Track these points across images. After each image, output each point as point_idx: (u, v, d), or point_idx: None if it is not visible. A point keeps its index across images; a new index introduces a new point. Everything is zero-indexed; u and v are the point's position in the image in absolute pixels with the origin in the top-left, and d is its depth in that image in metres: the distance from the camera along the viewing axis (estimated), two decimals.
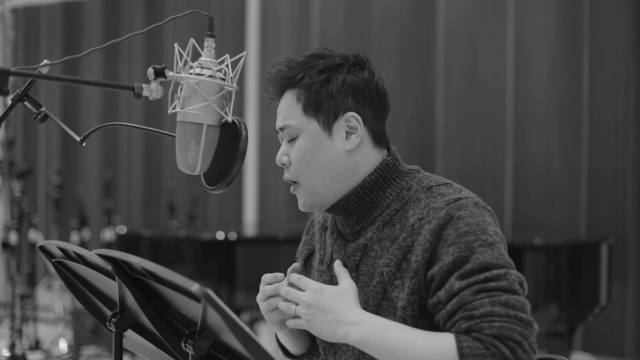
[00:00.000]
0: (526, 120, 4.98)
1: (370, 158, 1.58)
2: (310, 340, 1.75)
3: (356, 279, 1.55)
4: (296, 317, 1.48)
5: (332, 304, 1.43)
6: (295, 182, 1.59)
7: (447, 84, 5.25)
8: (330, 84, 1.56)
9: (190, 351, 1.20)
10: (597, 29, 4.74)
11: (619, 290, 4.54)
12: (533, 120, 4.96)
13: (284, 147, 1.60)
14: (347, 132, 1.56)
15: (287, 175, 1.60)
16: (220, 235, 4.07)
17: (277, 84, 1.60)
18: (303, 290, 1.47)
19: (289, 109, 1.58)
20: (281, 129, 1.60)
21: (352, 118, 1.56)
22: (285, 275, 1.58)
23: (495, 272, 1.40)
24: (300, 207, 1.61)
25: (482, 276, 1.40)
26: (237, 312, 3.93)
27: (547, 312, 3.59)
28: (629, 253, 4.62)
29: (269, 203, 6.00)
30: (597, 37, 4.74)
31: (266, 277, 1.58)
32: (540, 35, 4.95)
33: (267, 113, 1.69)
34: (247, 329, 1.08)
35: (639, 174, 4.63)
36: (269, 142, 6.03)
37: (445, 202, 1.49)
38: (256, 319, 4.78)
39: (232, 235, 4.08)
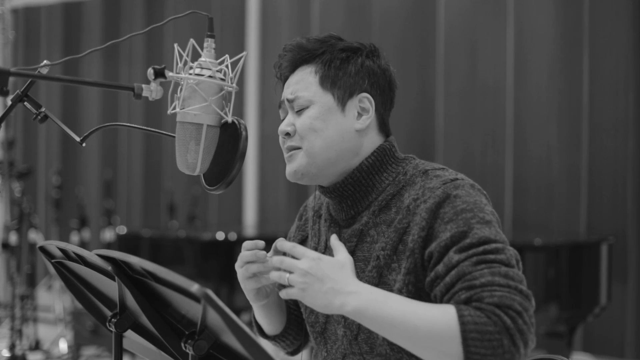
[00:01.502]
0: (526, 120, 4.98)
1: (374, 143, 1.59)
2: (286, 322, 1.74)
3: None
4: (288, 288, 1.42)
5: (329, 273, 1.38)
6: (295, 149, 1.57)
7: (447, 83, 5.25)
8: (349, 64, 1.58)
9: (190, 351, 1.20)
10: (597, 29, 4.74)
11: (619, 290, 4.54)
12: (533, 120, 4.96)
13: (289, 118, 1.59)
14: (358, 112, 1.58)
15: (290, 143, 1.58)
16: (220, 236, 4.07)
17: (294, 57, 1.60)
18: (298, 259, 1.42)
19: (303, 82, 1.58)
20: (291, 100, 1.59)
21: (366, 99, 1.58)
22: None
23: (493, 245, 1.40)
24: (289, 174, 1.58)
25: (480, 249, 1.39)
26: (237, 312, 3.93)
27: (547, 312, 3.59)
28: (629, 253, 4.62)
29: (269, 203, 6.00)
30: (597, 37, 4.74)
31: (247, 243, 1.56)
32: (540, 35, 4.95)
33: (275, 89, 1.68)
34: (247, 329, 1.07)
35: (639, 174, 4.63)
36: (269, 142, 6.03)
37: (441, 182, 1.49)
38: None
39: (232, 236, 4.08)
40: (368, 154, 1.58)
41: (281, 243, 1.46)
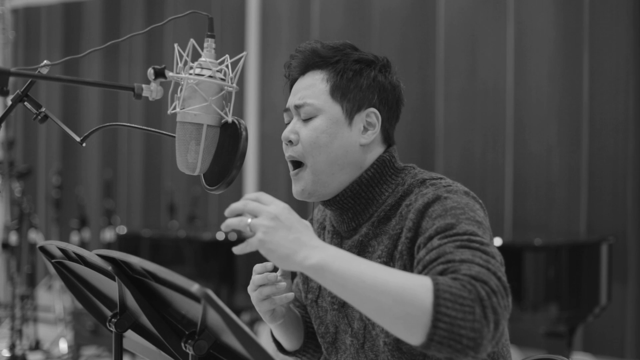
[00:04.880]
0: (526, 120, 4.98)
1: (376, 156, 1.59)
2: (305, 337, 1.75)
3: None
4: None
5: (297, 224, 1.26)
6: (299, 165, 1.57)
7: (447, 84, 5.25)
8: (362, 76, 1.57)
9: (190, 351, 1.20)
10: (597, 29, 4.74)
11: (619, 290, 4.54)
12: (533, 120, 4.96)
13: (294, 124, 1.58)
14: (364, 127, 1.57)
15: (292, 154, 1.57)
16: (220, 236, 4.07)
17: (306, 60, 1.59)
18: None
19: (313, 88, 1.57)
20: (298, 106, 1.58)
21: (373, 114, 1.58)
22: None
23: (479, 238, 1.33)
24: (297, 194, 1.58)
25: (465, 237, 1.33)
26: (237, 312, 3.93)
27: (547, 312, 3.59)
28: (629, 253, 4.62)
29: None
30: (597, 37, 4.74)
31: (256, 267, 1.57)
32: (540, 35, 4.95)
33: (283, 91, 1.67)
34: (247, 329, 1.07)
35: (639, 174, 4.63)
36: (269, 143, 6.03)
37: (435, 187, 1.49)
38: (256, 319, 4.78)
39: (232, 236, 4.08)
40: (369, 167, 1.58)
41: (249, 196, 1.32)
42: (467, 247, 1.31)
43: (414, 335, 1.21)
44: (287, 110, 1.61)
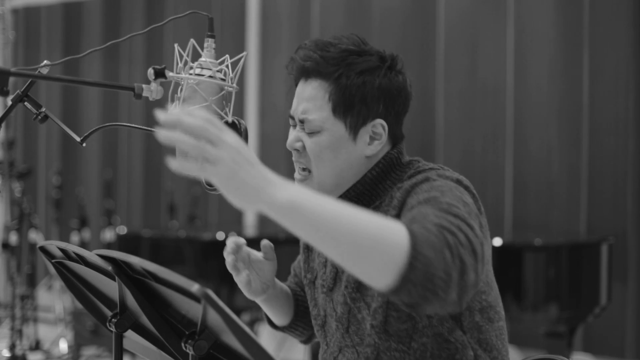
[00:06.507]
0: (526, 120, 4.98)
1: (382, 155, 1.59)
2: (294, 314, 1.79)
3: None
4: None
5: (256, 159, 1.10)
6: (307, 171, 1.59)
7: (447, 83, 5.25)
8: (366, 88, 1.52)
9: (190, 351, 1.20)
10: (597, 29, 4.74)
11: (619, 290, 4.54)
12: (533, 120, 4.96)
13: (297, 132, 1.57)
14: (370, 137, 1.55)
15: (302, 160, 1.58)
16: (220, 236, 4.07)
17: (308, 68, 1.55)
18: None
19: (315, 102, 1.54)
20: (301, 120, 1.56)
21: (379, 125, 1.55)
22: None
23: (460, 212, 1.28)
24: None
25: (446, 206, 1.29)
26: (238, 312, 3.93)
27: (547, 312, 3.59)
28: (629, 253, 4.62)
29: None
30: (597, 37, 4.74)
31: (228, 241, 1.63)
32: (540, 35, 4.95)
33: (287, 96, 1.65)
34: (247, 329, 1.07)
35: (639, 174, 4.63)
36: (269, 143, 6.03)
37: (426, 172, 1.49)
38: (256, 320, 4.78)
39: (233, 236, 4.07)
40: (374, 165, 1.57)
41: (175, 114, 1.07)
42: (448, 212, 1.26)
43: (386, 276, 1.14)
44: (292, 116, 1.60)
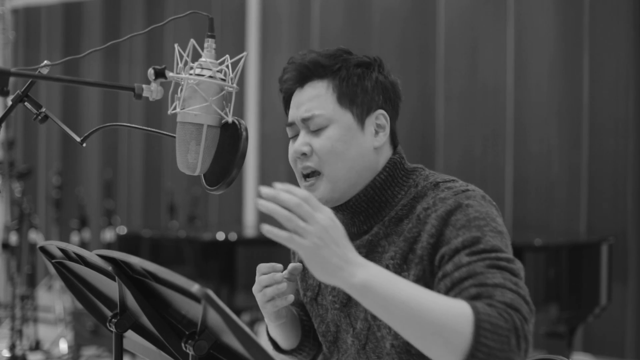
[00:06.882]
0: (526, 120, 4.98)
1: (386, 158, 1.58)
2: (301, 335, 1.75)
3: None
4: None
5: (343, 240, 1.23)
6: (315, 174, 1.54)
7: (447, 84, 5.26)
8: (365, 79, 1.55)
9: (190, 352, 1.20)
10: (597, 29, 4.74)
11: (619, 290, 4.54)
12: (533, 120, 4.96)
13: (303, 137, 1.55)
14: (375, 129, 1.56)
15: (309, 164, 1.54)
16: (220, 236, 4.07)
17: (305, 71, 1.55)
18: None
19: (318, 99, 1.54)
20: (306, 119, 1.54)
21: (382, 116, 1.57)
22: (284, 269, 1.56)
23: (505, 255, 1.36)
24: None
25: (493, 255, 1.36)
26: (238, 312, 3.93)
27: (547, 312, 3.59)
28: (629, 253, 4.62)
29: None
30: (597, 37, 4.74)
31: (262, 267, 1.55)
32: (540, 35, 4.95)
33: (285, 110, 1.62)
34: (247, 329, 1.07)
35: (639, 174, 4.63)
36: (269, 143, 6.03)
37: (453, 192, 1.48)
38: (256, 320, 4.78)
39: (233, 236, 4.08)
40: (381, 170, 1.56)
41: (278, 190, 1.22)
42: (497, 267, 1.34)
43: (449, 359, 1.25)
44: (290, 124, 1.58)
